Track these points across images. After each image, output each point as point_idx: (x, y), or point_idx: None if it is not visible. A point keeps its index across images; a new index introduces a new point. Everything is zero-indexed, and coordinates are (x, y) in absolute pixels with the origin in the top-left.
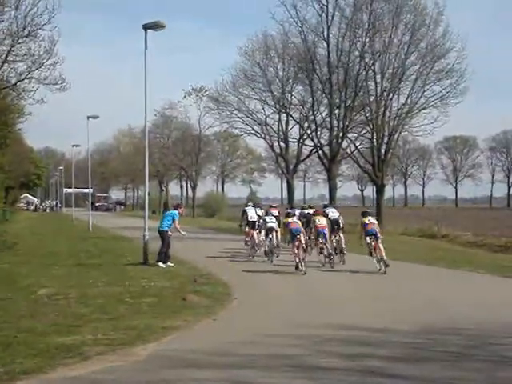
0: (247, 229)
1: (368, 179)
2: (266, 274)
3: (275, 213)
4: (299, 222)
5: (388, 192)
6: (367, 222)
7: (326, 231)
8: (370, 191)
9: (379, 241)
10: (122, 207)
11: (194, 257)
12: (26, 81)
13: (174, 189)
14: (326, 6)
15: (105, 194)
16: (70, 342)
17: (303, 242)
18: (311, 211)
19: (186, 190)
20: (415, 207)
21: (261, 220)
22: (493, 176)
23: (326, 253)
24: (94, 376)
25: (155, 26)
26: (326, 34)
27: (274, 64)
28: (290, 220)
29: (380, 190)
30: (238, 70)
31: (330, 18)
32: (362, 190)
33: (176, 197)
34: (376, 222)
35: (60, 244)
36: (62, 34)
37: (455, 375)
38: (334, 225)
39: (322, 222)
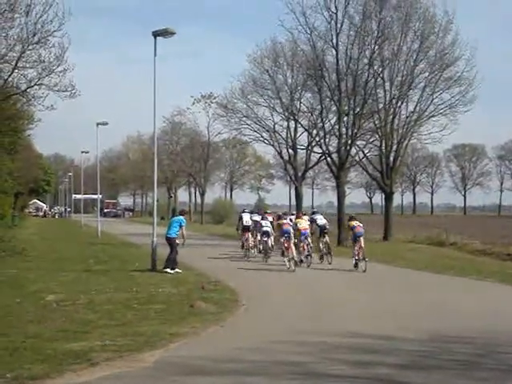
0: (244, 232)
1: (376, 187)
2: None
3: (270, 218)
4: (291, 223)
5: (396, 199)
6: (355, 224)
7: (307, 232)
8: (378, 198)
9: (362, 242)
10: (131, 213)
11: (201, 263)
12: (35, 87)
13: (182, 195)
14: (335, 14)
15: (113, 201)
16: (78, 347)
17: (292, 242)
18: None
19: (195, 196)
20: (424, 215)
21: (257, 224)
22: (501, 184)
23: (305, 253)
24: (102, 382)
25: (165, 33)
26: (335, 41)
27: (283, 71)
28: (284, 221)
29: (389, 198)
30: (246, 77)
31: (339, 25)
32: (370, 198)
33: (184, 203)
34: (362, 225)
35: (69, 250)
36: (72, 40)
37: None
38: (322, 230)
39: (303, 224)
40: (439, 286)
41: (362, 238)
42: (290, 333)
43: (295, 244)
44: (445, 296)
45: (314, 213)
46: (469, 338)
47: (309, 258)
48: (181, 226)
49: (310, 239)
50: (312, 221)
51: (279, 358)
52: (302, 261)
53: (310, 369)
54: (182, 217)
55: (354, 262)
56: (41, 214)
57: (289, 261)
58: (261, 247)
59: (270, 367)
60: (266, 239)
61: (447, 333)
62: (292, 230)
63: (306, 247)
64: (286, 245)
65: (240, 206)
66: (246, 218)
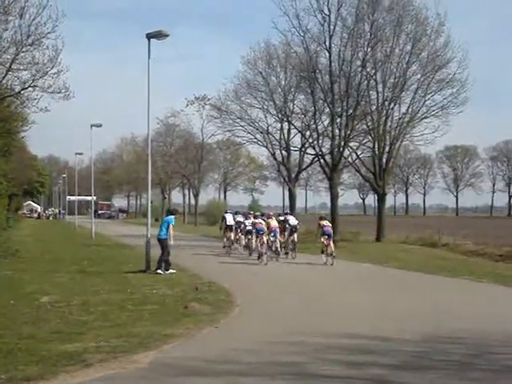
0: (226, 231)
1: (369, 188)
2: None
3: (253, 218)
4: (264, 223)
5: (389, 201)
6: (325, 224)
7: (277, 231)
8: (371, 200)
9: (331, 240)
10: (125, 215)
11: (193, 263)
12: (29, 89)
13: (176, 197)
14: (328, 16)
15: (107, 202)
16: (72, 349)
17: (265, 239)
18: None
19: (189, 197)
20: (416, 216)
21: (242, 225)
22: (493, 185)
23: (273, 249)
24: (96, 383)
25: (159, 35)
26: (328, 43)
27: (277, 73)
28: (257, 221)
29: (381, 199)
30: (240, 79)
31: (332, 27)
32: (363, 199)
33: (178, 205)
34: (331, 225)
35: (63, 251)
36: (65, 42)
37: None
38: (292, 229)
39: (273, 223)
40: (432, 286)
41: (330, 237)
42: (283, 333)
43: (267, 240)
44: (437, 296)
45: (286, 214)
46: (461, 338)
47: (277, 252)
48: (168, 225)
49: (278, 236)
50: (285, 221)
51: (274, 359)
52: (275, 252)
53: (305, 369)
54: (171, 216)
55: (323, 259)
56: (35, 215)
57: (262, 255)
58: (244, 244)
59: (265, 368)
60: (249, 237)
61: (440, 333)
62: (265, 229)
63: (273, 243)
64: (260, 242)
65: (234, 207)
66: (229, 219)
